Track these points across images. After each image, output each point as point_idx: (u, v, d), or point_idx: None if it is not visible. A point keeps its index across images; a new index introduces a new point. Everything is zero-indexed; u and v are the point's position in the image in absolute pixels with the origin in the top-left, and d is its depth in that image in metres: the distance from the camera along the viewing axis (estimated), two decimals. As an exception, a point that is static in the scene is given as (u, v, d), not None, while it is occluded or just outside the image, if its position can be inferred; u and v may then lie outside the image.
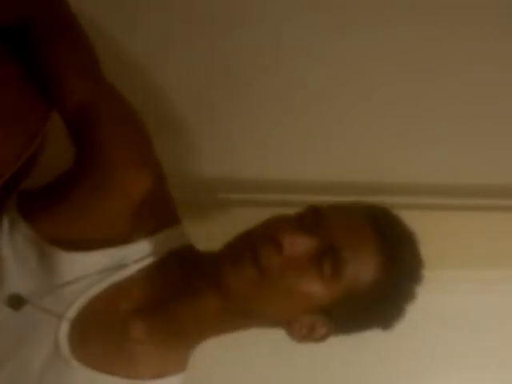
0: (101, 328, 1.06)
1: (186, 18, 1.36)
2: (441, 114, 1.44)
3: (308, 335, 1.05)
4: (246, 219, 1.42)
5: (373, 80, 1.41)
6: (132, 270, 1.07)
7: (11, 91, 1.04)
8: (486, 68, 1.40)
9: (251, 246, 1.00)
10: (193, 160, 1.46)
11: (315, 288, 1.00)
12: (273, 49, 1.39)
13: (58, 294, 1.04)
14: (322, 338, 1.05)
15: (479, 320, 1.46)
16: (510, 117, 1.44)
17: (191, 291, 1.05)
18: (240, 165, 1.47)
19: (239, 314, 1.04)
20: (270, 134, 1.45)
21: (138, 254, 1.08)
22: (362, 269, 1.00)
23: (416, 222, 1.45)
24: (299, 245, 0.99)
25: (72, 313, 1.05)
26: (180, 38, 1.37)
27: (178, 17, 1.36)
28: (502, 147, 1.46)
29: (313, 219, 1.02)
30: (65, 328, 1.04)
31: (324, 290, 1.00)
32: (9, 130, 1.02)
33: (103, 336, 1.06)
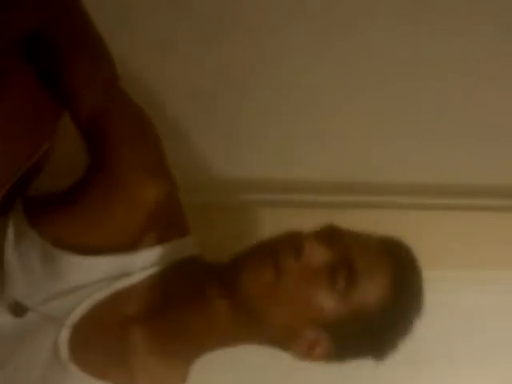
0: (102, 335, 1.06)
1: (185, 19, 1.36)
2: (441, 114, 1.44)
3: (307, 352, 1.06)
4: (252, 219, 1.43)
5: (373, 80, 1.41)
6: (137, 278, 1.07)
7: (21, 94, 1.03)
8: (485, 68, 1.40)
9: (273, 249, 1.02)
10: (198, 161, 1.46)
11: (326, 298, 1.02)
12: (272, 49, 1.39)
13: (61, 298, 1.04)
14: (321, 357, 1.07)
15: (479, 320, 1.45)
16: (510, 117, 1.44)
17: (200, 299, 1.05)
18: (243, 165, 1.47)
19: (246, 321, 1.04)
20: (266, 134, 1.45)
21: (144, 263, 1.07)
22: (373, 290, 1.03)
23: (416, 222, 1.46)
24: (318, 254, 1.02)
25: (74, 318, 1.04)
26: (180, 38, 1.37)
27: (177, 17, 1.36)
28: (502, 147, 1.46)
29: (332, 236, 1.05)
30: (65, 333, 1.04)
31: (334, 302, 1.02)
32: (17, 133, 1.02)
33: (104, 343, 1.06)
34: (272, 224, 1.43)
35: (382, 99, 1.43)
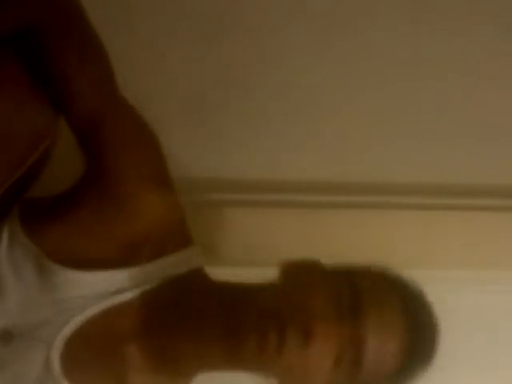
0: (95, 351, 1.02)
1: (185, 19, 1.36)
2: (441, 114, 1.44)
3: None
4: (239, 220, 1.43)
5: (373, 80, 1.41)
6: (132, 294, 1.02)
7: (16, 95, 0.99)
8: (485, 68, 1.40)
9: (280, 328, 0.94)
10: (186, 160, 1.46)
11: (325, 379, 0.97)
12: (272, 49, 1.39)
13: (54, 311, 1.00)
14: None
15: (479, 320, 1.45)
16: (510, 117, 1.44)
17: (198, 327, 1.01)
18: (234, 165, 1.47)
19: (242, 367, 1.01)
20: (266, 134, 1.45)
21: (140, 278, 1.02)
22: (380, 365, 0.97)
23: (416, 222, 1.46)
24: (328, 345, 0.94)
25: (65, 334, 1.00)
26: (180, 38, 1.38)
27: (177, 17, 1.36)
28: (502, 147, 1.46)
29: (351, 306, 0.96)
30: (57, 348, 1.00)
31: (333, 379, 0.97)
32: (12, 134, 0.99)
33: (97, 359, 1.02)
34: (271, 224, 1.44)
35: (382, 99, 1.43)
